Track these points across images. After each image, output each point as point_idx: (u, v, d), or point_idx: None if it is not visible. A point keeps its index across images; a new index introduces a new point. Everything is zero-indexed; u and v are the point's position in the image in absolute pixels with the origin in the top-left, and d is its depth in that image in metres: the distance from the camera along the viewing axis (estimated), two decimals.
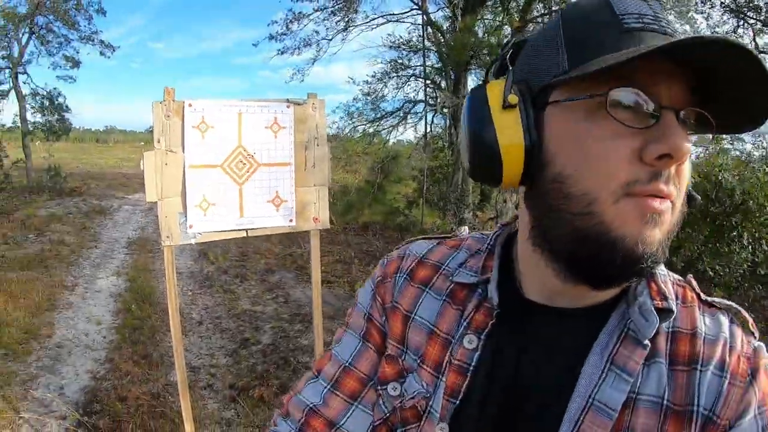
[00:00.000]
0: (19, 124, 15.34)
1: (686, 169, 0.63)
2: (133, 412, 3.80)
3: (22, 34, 15.47)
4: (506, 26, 12.33)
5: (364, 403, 0.84)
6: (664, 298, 0.71)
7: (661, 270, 0.74)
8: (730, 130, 0.66)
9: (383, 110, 13.29)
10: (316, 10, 13.07)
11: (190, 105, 2.33)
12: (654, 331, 0.68)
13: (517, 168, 0.68)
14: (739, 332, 0.71)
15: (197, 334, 5.34)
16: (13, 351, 4.75)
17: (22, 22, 15.03)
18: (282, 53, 13.62)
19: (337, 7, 13.14)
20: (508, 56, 0.73)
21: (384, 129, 13.42)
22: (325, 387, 0.85)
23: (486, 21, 12.76)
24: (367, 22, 13.51)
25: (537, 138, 0.67)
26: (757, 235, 3.84)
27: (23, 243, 8.52)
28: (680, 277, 0.77)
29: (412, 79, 13.58)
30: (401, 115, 13.27)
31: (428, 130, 11.90)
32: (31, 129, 15.89)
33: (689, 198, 0.69)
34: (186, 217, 2.34)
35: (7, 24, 14.73)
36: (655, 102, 0.60)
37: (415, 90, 13.64)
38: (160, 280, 7.08)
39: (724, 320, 0.72)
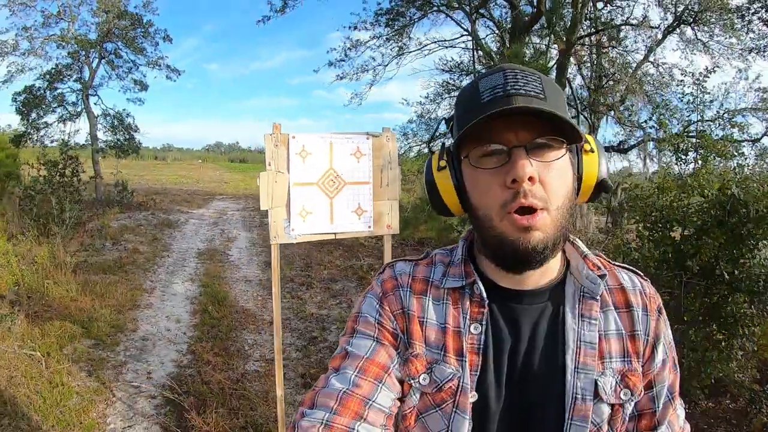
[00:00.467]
0: (91, 143, 16.05)
1: (552, 178, 0.90)
2: (216, 393, 4.32)
3: (93, 59, 16.37)
4: (553, 49, 12.69)
5: (387, 385, 0.95)
6: (598, 267, 1.03)
7: (589, 251, 1.07)
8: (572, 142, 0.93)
9: (436, 131, 13.38)
10: (372, 38, 13.58)
11: (293, 137, 2.97)
12: (600, 290, 1.01)
13: (456, 204, 1.03)
14: (645, 283, 1.08)
15: (269, 332, 5.81)
16: (103, 341, 5.32)
17: (93, 48, 15.91)
18: (341, 78, 14.06)
19: (391, 34, 13.58)
20: (448, 123, 1.09)
21: (437, 149, 13.45)
22: (352, 374, 0.94)
23: (533, 44, 13.06)
24: (419, 49, 13.93)
25: (460, 183, 1.00)
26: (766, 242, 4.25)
27: (101, 250, 9.14)
28: (599, 252, 1.10)
29: None
30: None
31: None
32: (102, 147, 16.67)
33: (602, 186, 1.02)
34: (289, 222, 2.97)
35: (79, 50, 15.59)
36: (506, 145, 0.88)
37: None
38: (231, 286, 7.68)
39: (634, 276, 1.09)
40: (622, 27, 12.43)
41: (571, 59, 12.40)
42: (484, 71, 1.02)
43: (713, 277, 4.31)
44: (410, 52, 13.92)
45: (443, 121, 1.12)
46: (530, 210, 0.88)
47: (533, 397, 0.98)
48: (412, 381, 0.99)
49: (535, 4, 11.51)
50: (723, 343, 4.49)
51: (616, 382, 1.00)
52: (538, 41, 13.31)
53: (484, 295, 0.99)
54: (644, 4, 12.10)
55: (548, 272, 1.02)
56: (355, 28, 13.39)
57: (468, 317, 1.00)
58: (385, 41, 13.69)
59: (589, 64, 13.62)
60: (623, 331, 1.03)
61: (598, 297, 1.02)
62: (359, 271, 8.76)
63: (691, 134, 10.37)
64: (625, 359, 1.02)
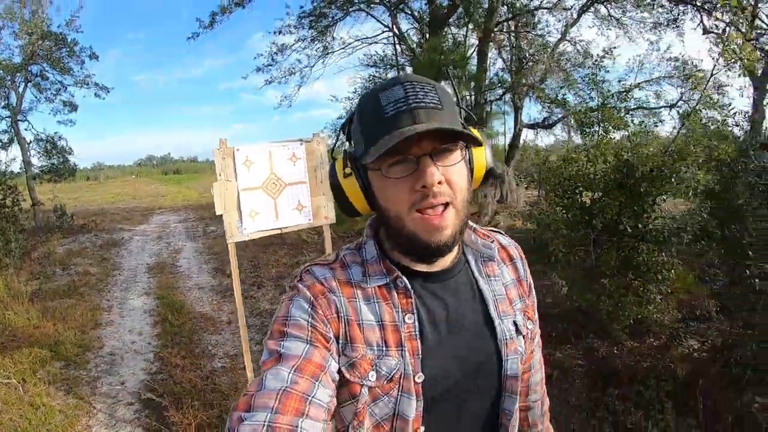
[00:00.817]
0: (25, 170, 15.68)
1: (454, 176, 1.03)
2: (189, 390, 4.67)
3: (19, 84, 15.96)
4: (471, 38, 13.12)
5: (323, 382, 0.97)
6: (486, 236, 1.26)
7: (476, 226, 1.25)
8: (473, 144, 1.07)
9: None
10: (297, 41, 13.87)
11: (238, 149, 3.39)
12: (496, 252, 1.23)
13: (364, 207, 1.12)
14: (511, 240, 1.35)
15: (228, 331, 6.22)
16: (73, 361, 5.56)
17: (18, 72, 15.49)
18: (270, 83, 14.39)
19: (315, 35, 13.88)
20: (345, 131, 1.17)
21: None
22: (289, 373, 0.94)
23: (452, 35, 13.55)
24: (343, 48, 14.34)
25: (367, 187, 1.09)
26: (663, 198, 4.92)
27: (53, 277, 9.22)
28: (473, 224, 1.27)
29: None
30: None
31: None
32: (37, 173, 16.35)
33: (490, 173, 1.18)
34: (241, 222, 3.38)
35: (4, 75, 15.17)
36: (414, 155, 0.99)
37: None
38: (185, 294, 7.98)
39: (503, 236, 1.34)
40: (537, 11, 13.05)
41: (491, 45, 12.96)
42: (382, 82, 1.10)
43: (618, 232, 4.88)
44: (334, 51, 14.33)
45: (341, 131, 1.19)
46: (439, 205, 1.02)
47: (475, 352, 1.14)
48: (362, 381, 1.05)
49: None
50: (640, 289, 5.07)
51: (522, 318, 1.23)
52: (456, 31, 13.77)
53: (410, 287, 1.11)
54: None
55: (454, 250, 1.18)
56: (280, 32, 13.69)
57: (400, 310, 1.10)
58: (310, 42, 14.03)
59: (508, 48, 14.17)
60: (514, 279, 1.29)
61: (495, 258, 1.24)
62: (296, 264, 9.09)
63: (594, 109, 11.06)
64: (521, 299, 1.27)
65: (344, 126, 1.18)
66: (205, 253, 10.87)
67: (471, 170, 1.14)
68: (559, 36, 13.63)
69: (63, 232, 13.85)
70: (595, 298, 4.92)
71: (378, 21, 13.78)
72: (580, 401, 4.36)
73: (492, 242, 1.26)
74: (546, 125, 14.32)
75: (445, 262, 1.17)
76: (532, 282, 1.35)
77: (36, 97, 16.75)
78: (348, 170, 1.11)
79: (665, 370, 4.69)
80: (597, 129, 5.84)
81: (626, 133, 6.15)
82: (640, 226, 4.85)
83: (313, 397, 0.93)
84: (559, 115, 13.78)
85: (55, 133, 16.93)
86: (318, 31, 13.76)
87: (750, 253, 4.13)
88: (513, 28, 13.64)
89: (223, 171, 3.32)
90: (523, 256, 1.35)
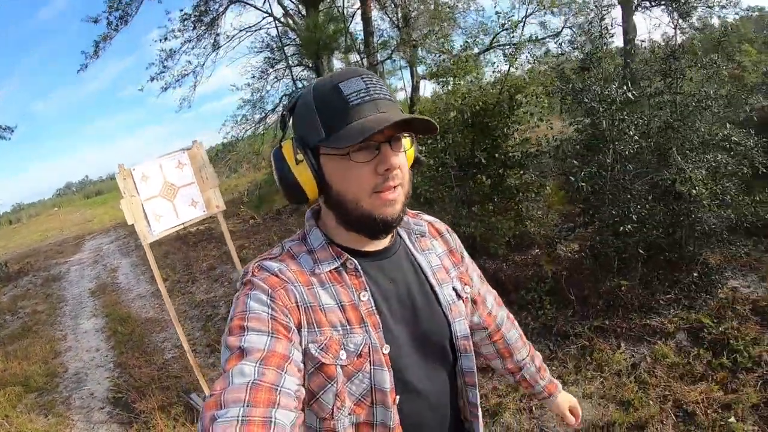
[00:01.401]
0: None
1: (404, 162, 1.17)
2: (148, 382, 5.35)
3: None
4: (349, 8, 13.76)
5: (289, 372, 1.00)
6: (415, 216, 1.43)
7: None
8: (423, 134, 1.19)
9: (265, 110, 14.52)
10: (185, 42, 14.13)
11: (134, 169, 4.01)
12: (426, 228, 1.41)
13: (314, 192, 1.18)
14: (435, 218, 1.52)
15: (173, 327, 6.75)
16: (44, 389, 6.08)
17: None
18: (165, 89, 14.62)
19: (202, 31, 14.15)
20: (288, 118, 1.23)
21: (271, 124, 14.55)
22: (255, 366, 0.96)
23: (334, 8, 13.87)
24: (229, 41, 14.63)
25: (319, 173, 1.15)
26: (508, 129, 5.71)
27: (4, 324, 9.49)
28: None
29: (281, 72, 14.78)
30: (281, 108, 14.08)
31: None
32: None
33: (417, 161, 1.34)
34: (149, 226, 4.02)
35: None
36: (376, 142, 1.09)
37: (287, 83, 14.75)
38: (130, 306, 8.56)
39: (428, 216, 1.50)
40: None
41: (373, 6, 13.61)
42: (339, 71, 1.19)
43: (474, 165, 5.62)
44: (221, 46, 14.61)
45: (283, 117, 1.25)
46: (393, 187, 1.15)
47: (426, 319, 1.26)
48: (336, 362, 1.10)
49: None
50: (516, 207, 5.84)
51: (460, 284, 1.38)
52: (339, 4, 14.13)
53: (359, 267, 1.20)
54: None
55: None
56: (166, 39, 13.92)
57: (354, 289, 1.17)
58: (197, 42, 14.29)
59: (392, 7, 14.54)
60: (446, 250, 1.43)
61: (426, 233, 1.40)
62: (224, 255, 9.91)
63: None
64: (456, 267, 1.42)
65: (287, 114, 1.24)
66: (140, 265, 11.30)
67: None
68: None
69: (1, 281, 13.80)
70: (468, 224, 5.51)
71: (257, 9, 14.14)
72: None
73: (421, 221, 1.44)
74: (437, 74, 15.02)
75: (384, 241, 1.29)
76: (464, 250, 1.52)
77: None
78: (300, 157, 1.16)
79: (545, 274, 5.40)
80: (450, 78, 6.46)
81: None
82: (497, 155, 5.60)
83: (281, 387, 0.95)
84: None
85: None
86: (202, 29, 14.04)
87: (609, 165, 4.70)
88: None
89: (126, 189, 3.94)
90: (450, 229, 1.52)
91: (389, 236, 1.30)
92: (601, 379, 4.06)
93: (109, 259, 13.15)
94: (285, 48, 13.56)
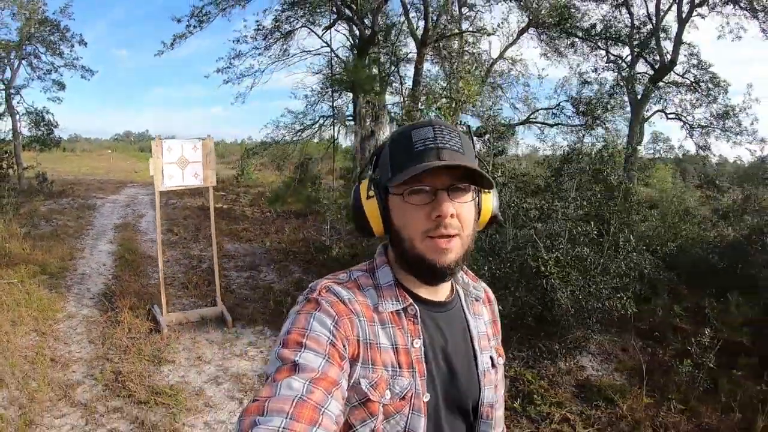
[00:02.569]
0: (13, 138, 17.10)
1: (465, 212, 1.16)
2: (130, 292, 7.24)
3: (14, 61, 17.63)
4: (394, 58, 15.51)
5: (335, 397, 0.98)
6: (475, 279, 1.43)
7: (466, 268, 1.38)
8: (486, 188, 1.22)
9: (304, 123, 15.94)
10: (253, 48, 15.97)
11: (165, 142, 6.00)
12: (483, 294, 1.42)
13: (379, 227, 1.22)
14: (486, 286, 1.51)
15: (167, 266, 8.66)
16: (55, 275, 8.08)
17: (14, 50, 17.20)
18: (226, 83, 16.36)
19: (270, 43, 15.98)
20: (373, 160, 1.29)
21: (306, 138, 16.12)
22: (305, 383, 0.95)
23: (380, 52, 15.51)
24: (289, 57, 16.39)
25: (385, 210, 1.20)
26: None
27: (39, 226, 11.54)
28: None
29: (326, 97, 16.13)
30: (318, 126, 16.03)
31: (336, 137, 15.05)
32: (26, 142, 18.19)
33: (494, 219, 1.32)
34: (163, 180, 6.00)
35: (1, 52, 16.78)
36: (431, 188, 1.12)
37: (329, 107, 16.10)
38: (140, 244, 10.58)
39: (483, 283, 1.48)
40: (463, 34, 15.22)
41: (427, 58, 15.34)
42: (418, 121, 1.25)
43: None
44: (281, 60, 16.35)
45: (373, 159, 1.31)
46: (448, 236, 1.14)
47: (463, 380, 1.26)
48: (381, 400, 1.11)
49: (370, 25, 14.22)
50: None
51: (495, 354, 1.38)
52: (377, 51, 15.63)
53: (419, 315, 1.21)
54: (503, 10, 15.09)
55: (449, 285, 1.32)
56: (238, 41, 15.79)
57: (409, 335, 1.18)
58: (264, 50, 16.08)
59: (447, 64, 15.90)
60: (491, 319, 1.45)
61: (482, 298, 1.41)
62: (238, 233, 11.86)
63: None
64: (495, 338, 1.43)
65: (373, 156, 1.31)
66: (162, 218, 13.15)
67: (479, 212, 1.26)
68: (497, 55, 15.89)
69: (44, 195, 15.61)
70: None
71: (319, 37, 15.84)
72: None
73: (479, 285, 1.44)
74: (479, 134, 16.76)
75: (444, 293, 1.30)
76: (499, 322, 1.53)
77: (29, 74, 18.33)
78: (371, 193, 1.22)
79: None
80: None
81: None
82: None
83: (326, 408, 0.94)
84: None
85: (44, 107, 18.52)
86: (271, 41, 15.84)
87: None
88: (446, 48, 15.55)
89: (156, 152, 5.93)
90: (496, 300, 1.54)
91: (448, 290, 1.32)
92: None
93: (139, 207, 15.06)
94: (334, 77, 14.94)
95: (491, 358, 1.36)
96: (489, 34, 15.53)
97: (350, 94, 14.55)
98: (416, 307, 1.21)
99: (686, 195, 13.80)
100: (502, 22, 15.48)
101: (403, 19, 14.62)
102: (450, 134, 1.16)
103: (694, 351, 5.28)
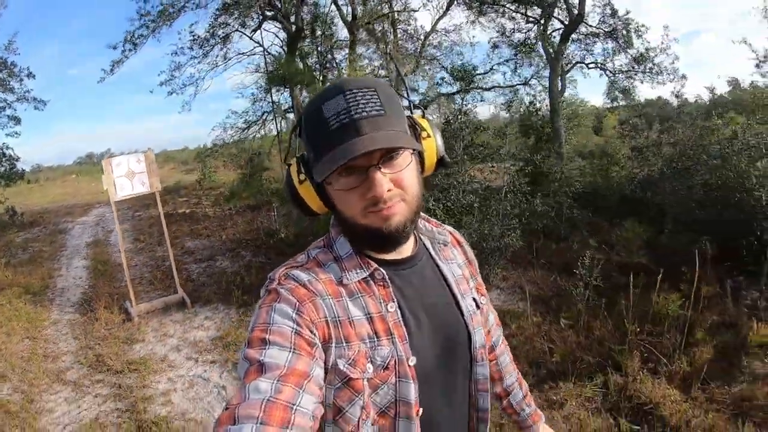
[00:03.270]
0: None
1: (404, 177, 1.10)
2: (105, 295, 8.25)
3: None
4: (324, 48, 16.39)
5: (308, 390, 0.96)
6: (438, 225, 1.40)
7: (427, 216, 1.39)
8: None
9: (248, 121, 16.81)
10: (191, 58, 16.46)
11: (113, 159, 7.00)
12: (449, 237, 1.40)
13: (320, 208, 1.20)
14: (452, 229, 1.50)
15: (136, 269, 9.78)
16: (38, 293, 8.99)
17: None
18: (171, 94, 16.89)
19: (204, 53, 16.48)
20: (296, 132, 1.20)
21: (251, 135, 17.09)
22: (272, 382, 0.93)
23: (305, 48, 16.33)
24: (226, 62, 16.97)
25: (322, 191, 1.17)
26: None
27: (16, 255, 12.41)
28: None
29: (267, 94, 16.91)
30: (261, 122, 17.03)
31: (279, 131, 16.15)
32: None
33: (441, 162, 1.27)
34: (116, 192, 7.00)
35: None
36: (362, 165, 1.05)
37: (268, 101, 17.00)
38: (111, 256, 11.49)
39: (448, 225, 1.49)
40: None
41: (363, 40, 16.25)
42: (326, 87, 1.11)
43: None
44: (218, 66, 17.01)
45: (293, 136, 1.23)
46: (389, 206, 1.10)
47: (449, 330, 1.25)
48: (363, 375, 1.09)
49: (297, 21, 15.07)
50: None
51: (477, 295, 1.38)
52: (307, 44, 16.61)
53: (387, 278, 1.17)
54: None
55: (411, 239, 1.28)
56: (176, 53, 16.32)
57: (381, 300, 1.16)
58: (202, 58, 16.64)
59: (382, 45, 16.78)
60: (465, 261, 1.44)
61: (449, 242, 1.39)
62: (192, 229, 13.02)
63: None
64: (473, 278, 1.42)
65: (292, 132, 1.23)
66: (129, 231, 14.13)
67: (421, 160, 1.21)
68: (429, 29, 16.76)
69: (17, 227, 16.27)
70: None
71: (252, 39, 16.52)
72: None
73: (444, 230, 1.41)
74: (417, 106, 17.51)
75: (407, 249, 1.26)
76: (476, 261, 1.51)
77: None
78: (302, 176, 1.17)
79: None
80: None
81: None
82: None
83: (298, 405, 0.93)
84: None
85: (3, 143, 18.84)
86: (207, 49, 16.49)
87: None
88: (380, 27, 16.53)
89: (106, 171, 6.95)
90: (465, 240, 1.52)
91: (412, 244, 1.28)
92: None
93: (108, 224, 15.72)
94: (269, 74, 15.65)
95: (474, 299, 1.35)
96: (414, 11, 16.42)
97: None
98: (382, 270, 1.18)
99: (617, 140, 14.99)
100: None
101: (331, 8, 15.59)
102: (365, 96, 1.06)
103: (579, 272, 5.90)
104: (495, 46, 17.16)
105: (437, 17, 16.64)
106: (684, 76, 16.24)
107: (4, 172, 18.56)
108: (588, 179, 11.18)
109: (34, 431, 4.75)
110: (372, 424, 1.12)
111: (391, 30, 16.51)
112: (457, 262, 1.38)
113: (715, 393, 4.46)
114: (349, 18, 15.03)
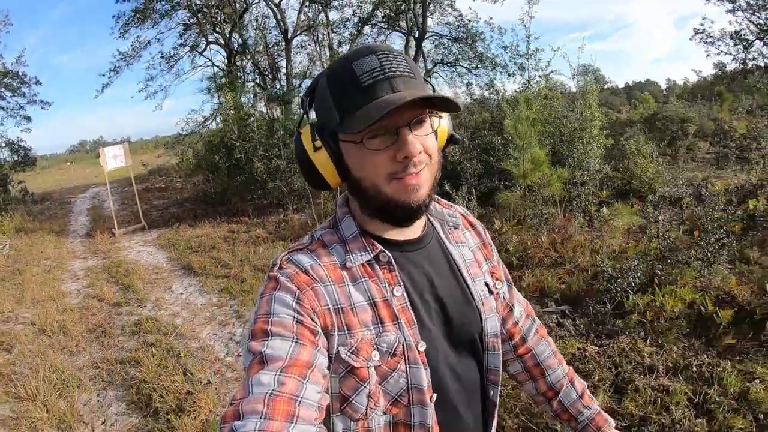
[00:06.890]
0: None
1: (429, 142, 1.05)
2: (101, 227, 13.50)
3: None
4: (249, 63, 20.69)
5: (311, 381, 0.92)
6: (449, 206, 1.33)
7: (437, 197, 1.29)
8: (452, 111, 1.09)
9: (204, 116, 20.99)
10: (160, 71, 20.83)
11: (105, 149, 12.63)
12: (460, 220, 1.32)
13: (335, 178, 1.10)
14: (467, 210, 1.49)
15: (120, 216, 15.01)
16: (58, 232, 14.08)
17: None
18: (146, 98, 20.75)
19: (170, 66, 20.93)
20: (307, 101, 1.13)
21: (207, 126, 20.93)
22: (275, 374, 0.89)
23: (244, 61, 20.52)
24: (186, 74, 21.30)
25: (339, 159, 1.07)
26: None
27: (38, 216, 17.36)
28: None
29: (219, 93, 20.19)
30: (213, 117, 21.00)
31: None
32: (10, 166, 21.55)
33: (453, 139, 1.22)
34: (107, 166, 12.59)
35: None
36: (394, 126, 0.99)
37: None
38: (103, 212, 16.67)
39: (461, 207, 1.41)
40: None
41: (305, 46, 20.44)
42: (355, 49, 1.05)
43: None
44: (180, 77, 21.31)
45: (303, 101, 1.15)
46: (416, 172, 1.04)
47: (459, 315, 1.18)
48: (368, 363, 1.04)
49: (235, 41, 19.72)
50: None
51: (491, 279, 1.31)
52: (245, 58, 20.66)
53: (392, 260, 1.11)
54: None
55: (422, 219, 1.21)
56: (148, 68, 20.82)
57: (387, 284, 1.09)
58: (168, 70, 21.07)
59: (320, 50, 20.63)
60: (479, 243, 1.37)
61: (459, 225, 1.31)
62: (161, 194, 18.65)
63: None
64: (488, 261, 1.35)
65: (306, 98, 1.14)
66: (118, 201, 19.18)
67: (435, 135, 1.12)
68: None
69: (34, 202, 20.22)
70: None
71: (207, 58, 20.83)
72: None
73: (455, 212, 1.34)
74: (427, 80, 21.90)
75: (416, 230, 1.19)
76: (493, 245, 1.41)
77: (2, 115, 21.78)
78: (318, 143, 1.08)
79: None
80: None
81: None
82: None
83: (302, 397, 0.89)
84: None
85: (18, 138, 22.09)
86: (169, 66, 20.92)
87: None
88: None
89: (102, 155, 12.46)
90: (481, 223, 1.44)
91: (421, 225, 1.22)
92: None
93: (102, 197, 20.93)
94: (216, 83, 20.15)
95: (486, 284, 1.28)
96: (331, 24, 20.11)
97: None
98: (387, 253, 1.12)
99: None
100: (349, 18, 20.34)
101: (272, 23, 19.84)
102: (396, 58, 1.02)
103: None
104: None
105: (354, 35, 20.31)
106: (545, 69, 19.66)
107: (18, 160, 22.36)
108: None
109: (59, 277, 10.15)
110: (384, 413, 1.09)
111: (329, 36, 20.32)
112: (468, 245, 1.32)
113: None
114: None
